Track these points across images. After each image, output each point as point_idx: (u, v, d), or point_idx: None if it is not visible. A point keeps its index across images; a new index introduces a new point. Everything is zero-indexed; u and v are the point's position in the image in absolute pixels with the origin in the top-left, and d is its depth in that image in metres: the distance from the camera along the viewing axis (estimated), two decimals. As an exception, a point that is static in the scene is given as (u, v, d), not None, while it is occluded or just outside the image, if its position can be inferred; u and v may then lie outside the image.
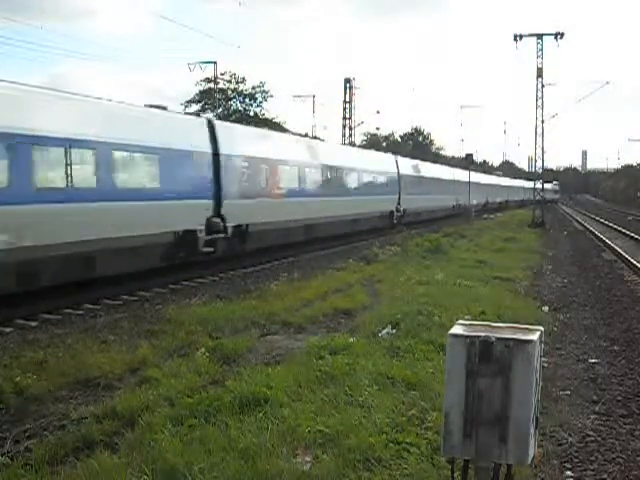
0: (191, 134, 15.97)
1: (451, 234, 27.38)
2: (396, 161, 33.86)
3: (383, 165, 31.79)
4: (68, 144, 11.86)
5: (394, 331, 8.92)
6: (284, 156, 20.82)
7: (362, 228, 27.12)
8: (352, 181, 26.78)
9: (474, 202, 50.33)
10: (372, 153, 36.84)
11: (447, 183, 44.35)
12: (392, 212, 31.58)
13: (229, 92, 53.66)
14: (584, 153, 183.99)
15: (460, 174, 48.66)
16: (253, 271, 16.94)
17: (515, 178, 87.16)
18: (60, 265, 11.56)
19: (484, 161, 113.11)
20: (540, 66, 36.87)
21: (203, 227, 15.70)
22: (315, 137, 47.72)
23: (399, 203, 32.43)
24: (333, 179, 24.73)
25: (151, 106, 15.80)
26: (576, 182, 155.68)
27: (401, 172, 33.35)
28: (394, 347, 7.96)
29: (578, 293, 13.68)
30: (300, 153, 22.64)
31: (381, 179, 30.73)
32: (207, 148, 16.32)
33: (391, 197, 31.63)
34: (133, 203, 13.35)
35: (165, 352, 8.21)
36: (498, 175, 79.99)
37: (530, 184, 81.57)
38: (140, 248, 13.40)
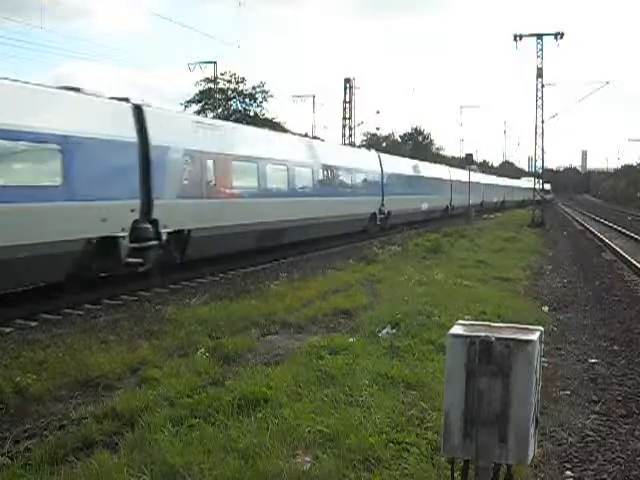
0: None
1: (451, 234, 27.37)
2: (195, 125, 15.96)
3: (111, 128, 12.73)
4: None
5: (394, 331, 8.93)
6: None
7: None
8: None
9: (424, 207, 34.87)
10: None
11: (360, 175, 27.18)
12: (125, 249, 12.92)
13: (229, 92, 53.66)
14: (584, 153, 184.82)
15: (407, 166, 35.04)
16: (253, 271, 16.94)
17: (507, 178, 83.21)
18: None
19: (484, 161, 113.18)
20: (540, 66, 36.94)
21: None
22: (315, 137, 47.57)
23: (151, 223, 13.56)
24: None
25: None
26: (576, 182, 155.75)
27: (205, 150, 15.69)
28: (394, 347, 7.96)
29: (578, 293, 13.67)
30: None
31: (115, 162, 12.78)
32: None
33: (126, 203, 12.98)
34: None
35: (165, 352, 8.21)
36: (473, 171, 56.46)
37: (517, 182, 79.86)
38: None
